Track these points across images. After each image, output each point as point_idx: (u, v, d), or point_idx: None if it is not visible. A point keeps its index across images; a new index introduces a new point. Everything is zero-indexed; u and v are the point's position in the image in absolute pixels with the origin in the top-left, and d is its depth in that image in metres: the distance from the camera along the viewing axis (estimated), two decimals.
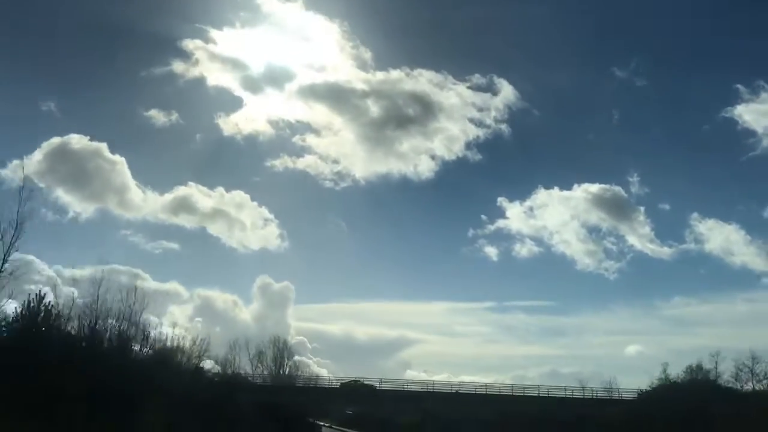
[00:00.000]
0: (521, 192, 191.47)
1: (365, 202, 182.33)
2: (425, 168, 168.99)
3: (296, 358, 78.39)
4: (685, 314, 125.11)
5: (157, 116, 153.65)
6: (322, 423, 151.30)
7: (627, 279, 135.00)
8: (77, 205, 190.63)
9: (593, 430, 52.81)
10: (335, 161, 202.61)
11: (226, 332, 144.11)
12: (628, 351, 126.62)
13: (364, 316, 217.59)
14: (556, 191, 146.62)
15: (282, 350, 74.80)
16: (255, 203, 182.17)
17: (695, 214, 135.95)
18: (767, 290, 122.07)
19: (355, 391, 66.08)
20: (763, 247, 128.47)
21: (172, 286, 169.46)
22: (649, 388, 57.00)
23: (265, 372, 72.92)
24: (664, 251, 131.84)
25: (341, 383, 68.36)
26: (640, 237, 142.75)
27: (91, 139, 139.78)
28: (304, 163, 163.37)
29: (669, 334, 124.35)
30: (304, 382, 71.26)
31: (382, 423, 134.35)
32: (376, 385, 66.33)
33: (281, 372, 73.54)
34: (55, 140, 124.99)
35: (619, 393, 61.43)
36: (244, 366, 70.66)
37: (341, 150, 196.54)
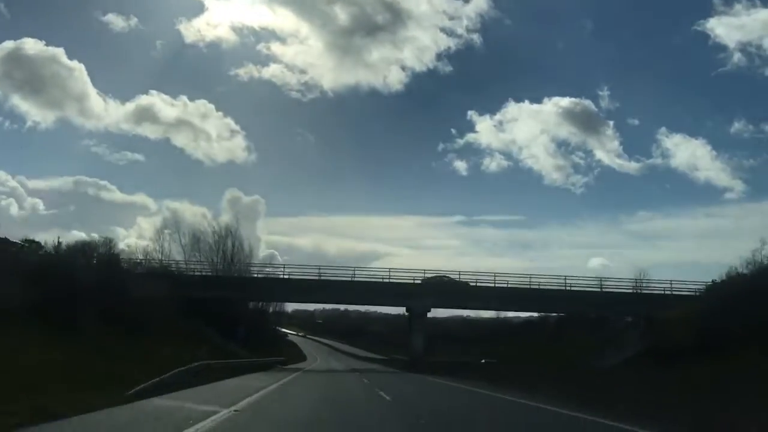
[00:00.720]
0: (491, 106, 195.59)
1: (333, 114, 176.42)
2: (395, 79, 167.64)
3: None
4: (649, 228, 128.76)
5: (116, 21, 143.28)
6: (288, 331, 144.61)
7: (594, 193, 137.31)
8: (36, 114, 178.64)
9: None
10: (302, 71, 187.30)
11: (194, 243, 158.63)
12: (591, 263, 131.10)
13: (334, 230, 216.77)
14: (526, 105, 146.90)
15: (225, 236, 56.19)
16: (220, 113, 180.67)
17: (663, 129, 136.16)
18: (729, 205, 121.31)
19: (329, 284, 47.91)
20: (728, 162, 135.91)
21: (140, 198, 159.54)
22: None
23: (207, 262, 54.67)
24: (632, 166, 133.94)
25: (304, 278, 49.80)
26: (608, 152, 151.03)
27: (46, 44, 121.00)
28: (270, 72, 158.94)
29: (632, 248, 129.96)
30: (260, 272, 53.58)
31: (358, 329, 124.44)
32: (349, 278, 50.50)
33: (230, 264, 55.38)
34: (8, 44, 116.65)
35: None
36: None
37: (308, 60, 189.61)
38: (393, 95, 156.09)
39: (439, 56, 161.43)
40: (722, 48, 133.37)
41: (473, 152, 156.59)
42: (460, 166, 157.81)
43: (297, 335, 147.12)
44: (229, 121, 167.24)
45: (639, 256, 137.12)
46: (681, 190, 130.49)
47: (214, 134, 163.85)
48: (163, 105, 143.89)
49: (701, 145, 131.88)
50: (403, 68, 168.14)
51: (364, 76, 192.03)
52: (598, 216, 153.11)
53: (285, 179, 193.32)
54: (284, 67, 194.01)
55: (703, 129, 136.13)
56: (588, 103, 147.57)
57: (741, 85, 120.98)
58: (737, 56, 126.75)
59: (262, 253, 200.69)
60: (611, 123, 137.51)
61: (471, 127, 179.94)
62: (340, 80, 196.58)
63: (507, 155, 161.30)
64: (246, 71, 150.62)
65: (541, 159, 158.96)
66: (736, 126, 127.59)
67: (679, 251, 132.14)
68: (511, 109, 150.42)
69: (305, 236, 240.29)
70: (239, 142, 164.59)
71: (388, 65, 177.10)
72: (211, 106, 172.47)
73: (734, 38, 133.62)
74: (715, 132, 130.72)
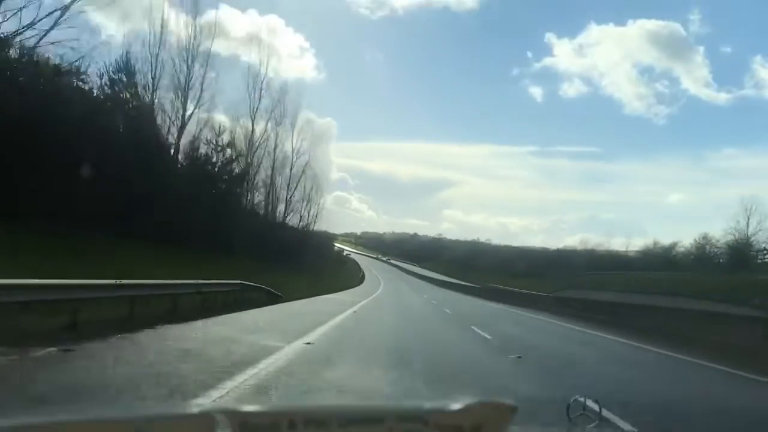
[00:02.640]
0: (572, 28, 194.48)
1: (404, 34, 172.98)
2: None
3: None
4: (732, 166, 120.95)
5: None
6: (347, 248, 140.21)
7: (677, 126, 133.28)
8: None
9: None
10: None
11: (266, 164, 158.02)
12: (669, 200, 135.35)
13: (405, 156, 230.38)
14: (610, 27, 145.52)
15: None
16: (290, 29, 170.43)
17: (759, 57, 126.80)
18: None
19: None
20: None
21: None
22: None
23: None
24: (721, 97, 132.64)
25: None
26: (695, 80, 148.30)
27: None
28: None
29: (713, 186, 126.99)
30: None
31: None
32: None
33: None
34: None
35: None
36: None
37: None
38: (466, 14, 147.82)
39: None
40: None
41: (550, 78, 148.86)
42: (536, 92, 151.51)
43: (362, 254, 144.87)
44: (300, 38, 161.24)
45: (722, 195, 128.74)
46: None
47: (285, 52, 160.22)
48: (233, 19, 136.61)
49: None
50: None
51: None
52: (680, 151, 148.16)
53: (356, 102, 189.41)
54: None
55: None
56: (677, 26, 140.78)
57: None
58: None
59: (334, 176, 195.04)
60: (701, 49, 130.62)
61: (548, 51, 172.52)
62: None
63: (586, 81, 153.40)
64: None
65: (623, 86, 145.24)
66: None
67: (762, 189, 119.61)
68: (593, 31, 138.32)
69: (376, 161, 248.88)
70: (310, 60, 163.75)
71: None
72: (281, 21, 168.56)
73: None
74: None
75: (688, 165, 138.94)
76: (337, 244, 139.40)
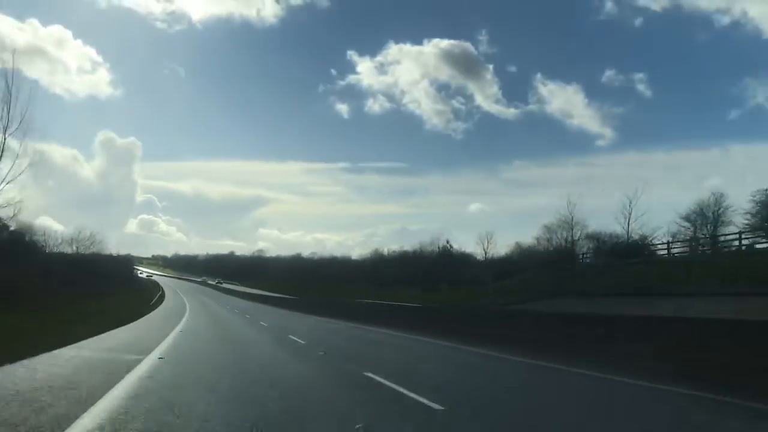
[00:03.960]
0: (372, 46, 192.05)
1: (204, 49, 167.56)
2: (270, 12, 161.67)
3: None
4: (523, 177, 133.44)
5: None
6: (150, 271, 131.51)
7: (473, 140, 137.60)
8: None
9: None
10: (168, 0, 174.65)
11: (66, 190, 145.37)
12: (470, 209, 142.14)
13: (216, 175, 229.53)
14: (407, 46, 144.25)
15: None
16: (79, 42, 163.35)
17: (539, 75, 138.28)
18: (597, 153, 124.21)
19: None
20: (598, 110, 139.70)
21: None
22: None
23: None
24: (510, 112, 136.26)
25: None
26: (487, 97, 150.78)
27: None
28: (131, 0, 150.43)
29: (507, 195, 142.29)
30: None
31: None
32: None
33: None
34: None
35: None
36: None
37: None
38: (268, 30, 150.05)
39: None
40: None
41: (355, 95, 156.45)
42: (342, 108, 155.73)
43: (165, 275, 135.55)
44: (91, 51, 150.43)
45: (515, 204, 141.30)
46: (555, 137, 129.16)
47: (74, 66, 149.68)
48: (9, 28, 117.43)
49: (575, 92, 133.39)
50: (278, 0, 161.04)
51: (235, 8, 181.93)
52: (478, 163, 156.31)
53: (160, 120, 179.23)
54: None
55: (576, 77, 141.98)
56: (468, 45, 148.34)
57: (612, 35, 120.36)
58: (609, 5, 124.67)
59: (139, 198, 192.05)
60: (490, 67, 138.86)
61: (352, 68, 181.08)
62: (209, 11, 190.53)
63: (389, 98, 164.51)
64: None
65: (423, 103, 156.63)
66: (608, 75, 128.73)
67: (552, 198, 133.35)
68: (392, 50, 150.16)
69: (186, 181, 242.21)
70: (103, 75, 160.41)
71: None
72: (69, 32, 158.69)
73: None
74: (588, 80, 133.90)
75: (484, 176, 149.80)
76: (142, 268, 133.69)
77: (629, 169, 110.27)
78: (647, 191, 56.57)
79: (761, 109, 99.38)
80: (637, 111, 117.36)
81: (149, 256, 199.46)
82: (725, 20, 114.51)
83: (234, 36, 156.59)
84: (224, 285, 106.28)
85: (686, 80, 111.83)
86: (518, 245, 63.76)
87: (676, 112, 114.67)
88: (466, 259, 70.40)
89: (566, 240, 48.74)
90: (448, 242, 75.02)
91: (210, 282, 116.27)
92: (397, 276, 67.58)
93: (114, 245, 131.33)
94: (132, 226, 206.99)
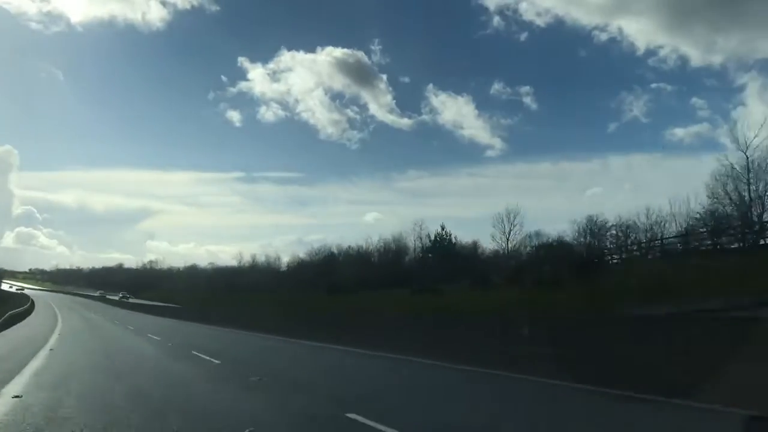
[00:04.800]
0: (264, 53, 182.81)
1: (87, 53, 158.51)
2: (156, 16, 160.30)
3: None
4: (418, 186, 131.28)
5: None
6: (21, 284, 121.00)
7: (368, 149, 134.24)
8: None
9: None
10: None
11: None
12: (366, 219, 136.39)
13: (102, 186, 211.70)
14: (301, 54, 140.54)
15: None
16: None
17: (431, 86, 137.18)
18: (488, 163, 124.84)
19: None
20: (488, 121, 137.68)
21: None
22: None
23: None
24: (404, 122, 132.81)
25: None
26: (381, 106, 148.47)
27: None
28: None
29: (403, 204, 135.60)
30: None
31: None
32: None
33: None
34: None
35: None
36: None
37: None
38: (154, 35, 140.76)
39: None
40: (483, 10, 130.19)
41: (247, 102, 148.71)
42: (234, 116, 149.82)
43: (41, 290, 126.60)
44: None
45: (410, 213, 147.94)
46: (447, 148, 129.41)
47: None
48: None
49: (465, 103, 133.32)
50: (164, 3, 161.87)
51: (119, 10, 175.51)
52: (373, 173, 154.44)
53: (39, 127, 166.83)
54: None
55: (467, 88, 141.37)
56: (361, 54, 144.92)
57: (500, 49, 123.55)
58: (497, 20, 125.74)
59: (16, 210, 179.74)
60: (384, 77, 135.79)
61: (243, 75, 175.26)
62: (90, 13, 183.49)
63: (283, 105, 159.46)
64: None
65: (317, 112, 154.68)
66: (496, 87, 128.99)
67: (445, 208, 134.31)
68: (285, 57, 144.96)
69: (68, 192, 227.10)
70: None
71: None
72: None
73: (494, 2, 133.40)
74: (478, 92, 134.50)
75: (380, 186, 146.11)
76: (13, 282, 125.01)
77: (517, 180, 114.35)
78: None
79: (636, 121, 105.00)
80: (524, 123, 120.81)
81: (26, 270, 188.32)
82: (603, 36, 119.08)
83: (117, 40, 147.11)
84: (132, 300, 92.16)
85: (569, 94, 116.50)
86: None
87: (560, 124, 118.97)
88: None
89: None
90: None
91: (111, 297, 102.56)
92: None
93: None
94: (8, 239, 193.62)
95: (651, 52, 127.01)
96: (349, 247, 74.17)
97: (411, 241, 65.33)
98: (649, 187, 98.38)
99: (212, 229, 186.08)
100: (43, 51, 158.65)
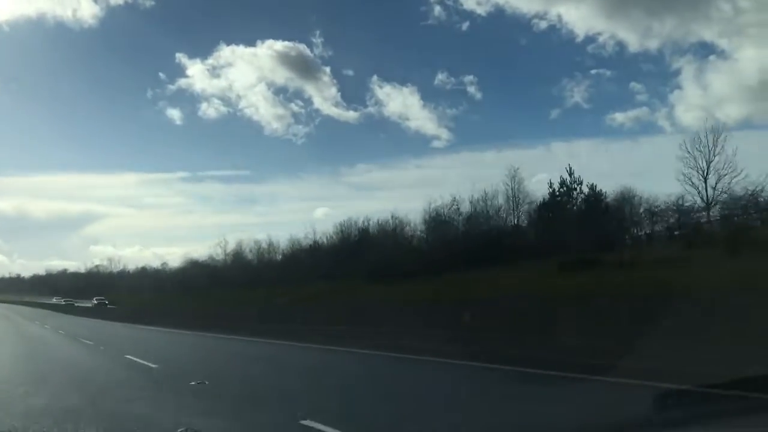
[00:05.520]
0: (202, 48, 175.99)
1: (14, 53, 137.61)
2: (87, 13, 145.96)
3: None
4: (367, 180, 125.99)
5: None
6: None
7: (315, 144, 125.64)
8: None
9: None
10: None
11: None
12: (316, 215, 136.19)
13: (41, 191, 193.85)
14: (240, 48, 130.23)
15: None
16: None
17: (375, 78, 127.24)
18: (435, 154, 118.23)
19: None
20: (434, 111, 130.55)
21: None
22: None
23: None
24: (350, 115, 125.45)
25: None
26: (326, 99, 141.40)
27: None
28: None
29: (352, 199, 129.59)
30: None
31: None
32: None
33: None
34: None
35: None
36: None
37: None
38: (86, 32, 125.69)
39: None
40: (424, 0, 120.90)
41: (187, 99, 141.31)
42: (174, 114, 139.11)
43: None
44: None
45: (360, 207, 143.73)
46: (394, 140, 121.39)
47: None
48: None
49: (410, 94, 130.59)
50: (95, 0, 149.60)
51: (48, 7, 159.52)
52: (321, 168, 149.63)
53: None
54: None
55: (411, 79, 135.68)
56: (303, 47, 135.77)
57: (442, 39, 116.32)
58: (438, 10, 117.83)
59: None
60: (327, 69, 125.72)
61: (182, 72, 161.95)
62: (16, 11, 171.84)
63: (225, 102, 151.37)
64: None
65: (261, 108, 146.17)
66: (440, 77, 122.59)
67: (394, 201, 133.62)
68: (225, 52, 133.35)
69: (5, 199, 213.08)
70: None
71: None
72: None
73: None
74: (422, 82, 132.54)
75: (328, 181, 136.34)
76: None
77: (464, 169, 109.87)
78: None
79: (577, 107, 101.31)
80: (469, 112, 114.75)
81: None
82: (543, 24, 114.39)
83: (48, 38, 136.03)
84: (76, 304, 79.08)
85: (512, 82, 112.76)
86: None
87: (504, 113, 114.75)
88: None
89: None
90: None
91: (60, 302, 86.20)
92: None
93: None
94: None
95: (590, 39, 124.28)
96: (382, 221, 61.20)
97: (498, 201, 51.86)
98: (592, 171, 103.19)
99: (158, 230, 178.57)
100: None
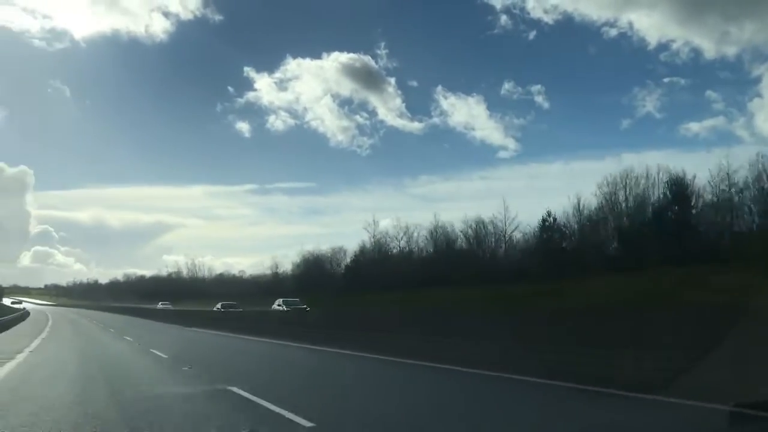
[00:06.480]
0: (269, 61, 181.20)
1: (92, 68, 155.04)
2: (159, 28, 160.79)
3: None
4: (430, 191, 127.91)
5: None
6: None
7: (379, 155, 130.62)
8: None
9: None
10: (45, 16, 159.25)
11: None
12: (380, 227, 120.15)
13: (117, 202, 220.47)
14: (306, 61, 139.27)
15: None
16: None
17: (440, 88, 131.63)
18: (500, 165, 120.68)
19: None
20: (500, 121, 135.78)
21: None
22: None
23: None
24: (414, 126, 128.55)
25: None
26: (390, 111, 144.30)
27: None
28: (2, 16, 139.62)
29: (416, 210, 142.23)
30: None
31: None
32: None
33: None
34: None
35: None
36: None
37: (50, 2, 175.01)
38: (158, 48, 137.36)
39: (206, 2, 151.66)
40: (490, 9, 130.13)
41: (255, 112, 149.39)
42: (243, 127, 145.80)
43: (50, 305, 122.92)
44: None
45: (423, 218, 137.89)
46: (459, 151, 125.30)
47: None
48: None
49: (476, 104, 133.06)
50: (166, 15, 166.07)
51: (122, 24, 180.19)
52: (385, 179, 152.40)
53: (52, 145, 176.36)
54: (21, 11, 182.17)
55: (476, 89, 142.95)
56: (368, 59, 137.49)
57: (508, 48, 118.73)
58: (504, 19, 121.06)
59: (33, 229, 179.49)
60: (392, 80, 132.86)
61: (250, 85, 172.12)
62: (93, 28, 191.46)
63: (292, 114, 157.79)
64: None
65: (326, 119, 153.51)
66: (506, 87, 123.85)
67: (458, 212, 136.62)
68: (291, 65, 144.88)
69: (83, 210, 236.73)
70: None
71: (149, 11, 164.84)
72: None
73: (499, 0, 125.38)
74: (488, 92, 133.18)
75: (392, 192, 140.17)
76: (20, 298, 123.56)
77: (531, 181, 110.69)
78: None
79: (649, 117, 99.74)
80: (536, 122, 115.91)
81: (41, 286, 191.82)
82: (613, 32, 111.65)
83: (122, 54, 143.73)
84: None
85: (581, 91, 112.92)
86: None
87: (572, 123, 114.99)
88: None
89: None
90: None
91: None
92: None
93: (2, 279, 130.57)
94: (25, 259, 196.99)
95: (663, 46, 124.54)
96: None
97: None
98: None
99: (227, 241, 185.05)
100: (49, 68, 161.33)
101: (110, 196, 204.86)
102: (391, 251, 71.26)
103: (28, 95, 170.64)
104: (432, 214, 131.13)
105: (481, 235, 61.57)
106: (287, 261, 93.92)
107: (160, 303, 74.18)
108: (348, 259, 77.78)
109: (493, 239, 61.07)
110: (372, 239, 72.48)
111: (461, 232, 63.86)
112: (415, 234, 70.53)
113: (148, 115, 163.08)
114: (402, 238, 71.02)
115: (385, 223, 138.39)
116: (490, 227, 61.12)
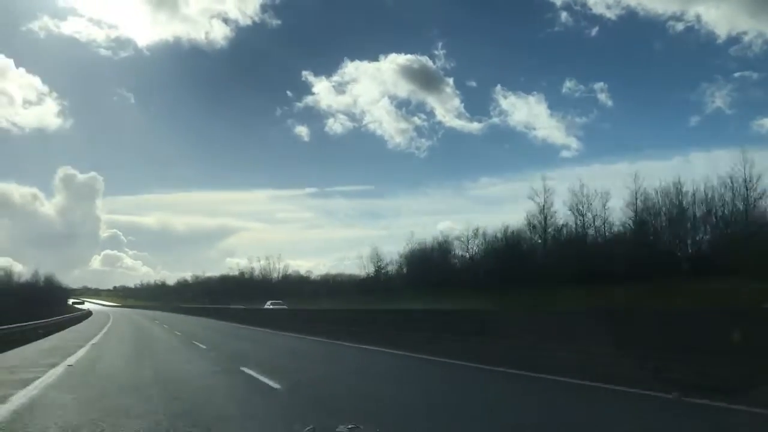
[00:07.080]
0: (327, 65, 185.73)
1: (155, 75, 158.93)
2: (219, 35, 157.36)
3: None
4: (490, 193, 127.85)
5: None
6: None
7: (438, 157, 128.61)
8: None
9: None
10: (111, 26, 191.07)
11: (26, 229, 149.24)
12: (438, 228, 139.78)
13: (182, 207, 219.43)
14: (364, 63, 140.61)
15: None
16: (22, 70, 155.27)
17: (499, 88, 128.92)
18: (563, 165, 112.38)
19: None
20: (561, 120, 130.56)
21: None
22: None
23: None
24: (473, 126, 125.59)
25: None
26: (448, 111, 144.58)
27: None
28: (71, 27, 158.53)
29: (475, 212, 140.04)
30: None
31: None
32: None
33: None
34: None
35: None
36: None
37: (115, 12, 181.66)
38: (218, 54, 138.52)
39: (264, 7, 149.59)
40: (549, 6, 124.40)
41: (314, 116, 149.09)
42: (302, 131, 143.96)
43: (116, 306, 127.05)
44: (35, 80, 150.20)
45: (483, 221, 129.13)
46: (519, 151, 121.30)
47: (19, 97, 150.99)
48: None
49: (536, 103, 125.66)
50: (226, 21, 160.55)
51: (183, 31, 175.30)
52: (444, 182, 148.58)
53: (120, 152, 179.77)
54: (88, 21, 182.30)
55: (537, 88, 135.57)
56: (425, 60, 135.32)
57: (570, 45, 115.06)
58: (564, 16, 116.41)
59: (103, 234, 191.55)
60: (450, 81, 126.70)
61: (308, 89, 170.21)
62: (155, 36, 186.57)
63: (350, 117, 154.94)
64: (41, 26, 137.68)
65: (384, 122, 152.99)
66: (568, 85, 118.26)
67: (521, 214, 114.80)
68: (349, 68, 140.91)
69: (150, 214, 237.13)
70: (51, 106, 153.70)
71: (209, 18, 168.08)
72: (9, 61, 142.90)
73: None
74: (549, 91, 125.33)
75: (451, 194, 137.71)
76: (85, 299, 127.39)
77: (594, 182, 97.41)
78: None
79: (719, 114, 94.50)
80: (599, 120, 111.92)
81: (110, 288, 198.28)
82: (680, 26, 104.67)
83: (183, 60, 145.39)
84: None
85: (646, 88, 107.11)
86: None
87: (637, 120, 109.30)
88: None
89: None
90: None
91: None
92: None
93: (73, 281, 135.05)
94: (96, 262, 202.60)
95: (733, 40, 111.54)
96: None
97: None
98: None
99: (288, 244, 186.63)
100: (114, 76, 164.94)
101: (175, 201, 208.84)
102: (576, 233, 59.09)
103: (96, 103, 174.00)
104: (492, 216, 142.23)
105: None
106: (388, 255, 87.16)
107: (269, 302, 57.20)
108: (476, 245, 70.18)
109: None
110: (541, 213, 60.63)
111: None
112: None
113: (209, 120, 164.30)
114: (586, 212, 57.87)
115: (444, 225, 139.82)
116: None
